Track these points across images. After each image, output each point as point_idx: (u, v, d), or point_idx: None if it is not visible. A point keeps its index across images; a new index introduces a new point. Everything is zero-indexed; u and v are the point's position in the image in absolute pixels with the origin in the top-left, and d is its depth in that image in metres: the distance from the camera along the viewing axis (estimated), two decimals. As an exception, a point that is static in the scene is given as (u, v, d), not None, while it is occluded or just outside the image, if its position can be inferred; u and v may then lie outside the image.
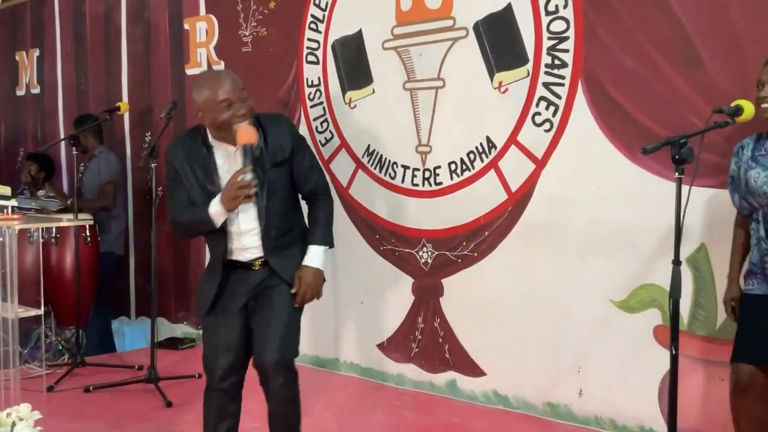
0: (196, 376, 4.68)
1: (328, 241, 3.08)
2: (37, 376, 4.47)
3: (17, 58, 6.97)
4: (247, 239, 2.93)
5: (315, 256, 3.04)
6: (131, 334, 6.00)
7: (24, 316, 2.68)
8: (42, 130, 6.74)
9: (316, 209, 3.12)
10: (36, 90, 6.77)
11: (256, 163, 2.77)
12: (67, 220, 2.78)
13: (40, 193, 5.74)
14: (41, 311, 2.73)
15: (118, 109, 5.10)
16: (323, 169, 3.21)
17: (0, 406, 2.61)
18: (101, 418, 3.86)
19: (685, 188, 2.69)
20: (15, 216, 2.71)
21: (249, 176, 2.71)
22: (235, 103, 2.80)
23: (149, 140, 5.76)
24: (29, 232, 2.84)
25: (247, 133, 2.75)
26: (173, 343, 5.47)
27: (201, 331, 5.53)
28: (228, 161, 2.89)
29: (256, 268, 2.98)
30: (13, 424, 2.44)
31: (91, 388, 4.38)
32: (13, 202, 2.87)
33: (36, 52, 6.75)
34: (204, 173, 2.89)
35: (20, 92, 6.95)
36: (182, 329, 5.69)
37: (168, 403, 4.19)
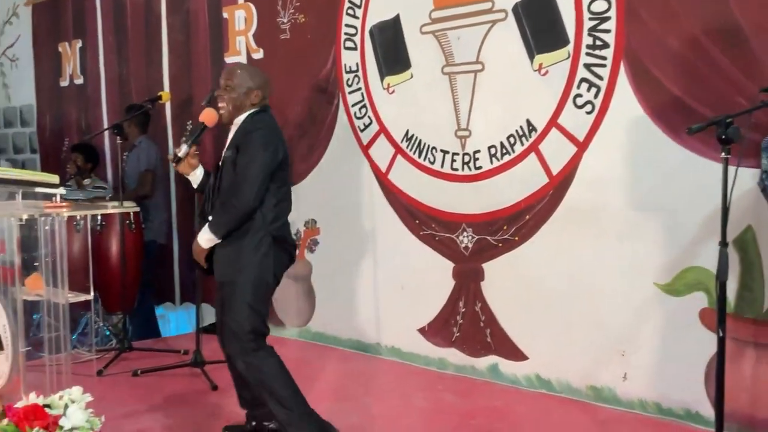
0: (240, 360, 4.75)
1: (214, 230, 3.15)
2: (86, 361, 4.59)
3: (60, 49, 7.08)
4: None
5: (202, 234, 3.20)
6: (176, 320, 6.09)
7: (74, 301, 2.74)
8: (86, 120, 6.85)
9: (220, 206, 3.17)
10: (79, 81, 6.88)
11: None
12: (112, 208, 2.84)
13: (86, 182, 5.84)
14: (90, 296, 2.79)
15: (160, 98, 5.16)
16: (255, 184, 3.08)
17: (52, 389, 2.67)
18: (149, 401, 3.94)
19: (731, 169, 2.65)
20: (63, 204, 2.76)
21: (182, 150, 3.06)
22: (221, 92, 3.23)
23: (189, 128, 5.83)
24: (75, 221, 2.91)
25: (206, 114, 3.14)
26: (217, 329, 5.55)
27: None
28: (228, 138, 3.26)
29: None
30: (66, 406, 2.51)
31: (138, 372, 4.47)
32: (62, 191, 2.93)
33: (78, 44, 6.85)
34: None
35: (64, 83, 7.06)
36: (225, 315, 5.76)
37: (213, 386, 4.25)
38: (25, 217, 2.64)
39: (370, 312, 4.83)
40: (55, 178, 2.93)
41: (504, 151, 4.09)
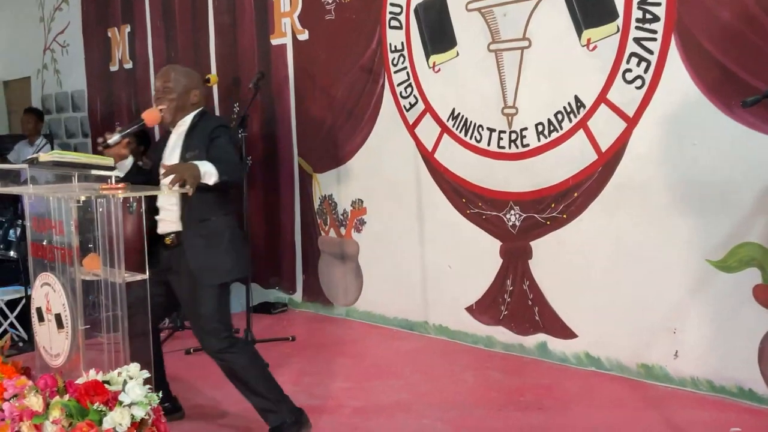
0: (290, 338, 4.82)
1: (219, 169, 2.94)
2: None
3: (109, 34, 7.19)
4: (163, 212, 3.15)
5: (201, 163, 2.93)
6: (226, 300, 6.18)
7: (130, 280, 2.80)
8: (135, 104, 6.96)
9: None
10: (128, 65, 6.99)
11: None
12: (167, 190, 2.89)
13: (139, 164, 5.93)
14: (146, 275, 2.84)
15: (208, 81, 5.19)
16: (236, 162, 3.14)
17: (111, 366, 2.74)
18: (202, 378, 4.03)
19: (787, 142, 2.60)
20: (119, 185, 2.82)
21: (113, 138, 3.04)
22: (159, 95, 3.20)
23: (237, 111, 5.89)
24: (129, 202, 2.96)
25: (149, 113, 3.15)
26: (266, 308, 5.63)
27: (287, 295, 5.68)
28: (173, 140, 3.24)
29: (168, 243, 3.15)
30: (125, 382, 2.58)
31: (191, 350, 4.56)
32: (117, 173, 2.99)
33: (127, 28, 6.95)
34: None
35: (114, 68, 7.18)
36: (274, 294, 5.85)
37: (265, 364, 4.32)
38: (82, 198, 2.70)
39: (418, 291, 4.85)
40: (110, 161, 3.00)
41: (552, 128, 4.05)
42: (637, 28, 3.70)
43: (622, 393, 3.70)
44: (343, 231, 5.30)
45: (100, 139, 3.13)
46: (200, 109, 3.27)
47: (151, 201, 3.17)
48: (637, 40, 3.69)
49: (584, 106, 3.91)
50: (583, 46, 3.89)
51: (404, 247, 4.90)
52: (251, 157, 5.76)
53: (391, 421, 3.48)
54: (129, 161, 3.19)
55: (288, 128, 5.58)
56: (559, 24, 3.95)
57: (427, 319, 4.82)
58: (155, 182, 3.18)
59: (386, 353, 4.56)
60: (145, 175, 3.26)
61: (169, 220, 3.15)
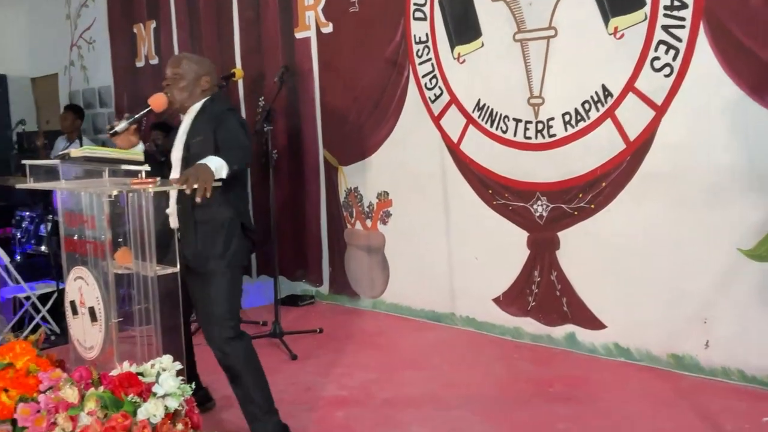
0: (317, 330, 4.85)
1: (227, 159, 2.84)
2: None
3: (135, 30, 7.24)
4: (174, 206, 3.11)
5: (208, 160, 2.81)
6: (253, 292, 6.22)
7: (161, 273, 2.83)
8: (161, 100, 7.00)
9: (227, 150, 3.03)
10: (154, 61, 7.04)
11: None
12: (193, 184, 2.91)
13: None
14: (177, 269, 2.87)
15: (233, 75, 5.21)
16: (245, 145, 3.04)
17: (144, 359, 2.77)
18: (232, 371, 4.06)
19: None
20: (149, 180, 2.85)
21: (121, 125, 3.06)
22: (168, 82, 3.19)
23: (262, 105, 5.91)
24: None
25: (156, 98, 3.13)
26: (293, 300, 5.66)
27: (314, 287, 5.70)
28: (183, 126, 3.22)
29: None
30: (158, 374, 2.61)
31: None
32: (147, 167, 3.01)
33: (153, 24, 7.00)
34: None
35: (140, 63, 7.24)
36: (301, 287, 5.88)
37: (293, 356, 4.36)
38: (114, 193, 2.73)
39: (444, 282, 4.85)
40: (140, 156, 3.02)
41: (579, 117, 4.03)
42: (665, 15, 3.66)
43: (652, 383, 3.68)
44: (369, 223, 5.32)
45: (107, 126, 3.15)
46: (208, 96, 3.22)
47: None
48: (665, 28, 3.66)
49: (612, 95, 3.88)
50: (610, 34, 3.86)
51: (430, 239, 4.90)
52: (276, 150, 5.78)
53: (420, 411, 3.49)
54: (139, 148, 3.18)
55: (313, 121, 5.59)
56: (585, 12, 3.93)
57: (453, 311, 4.82)
58: (168, 171, 3.18)
59: (413, 345, 4.57)
60: (155, 162, 3.24)
61: (175, 215, 3.13)
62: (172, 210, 3.11)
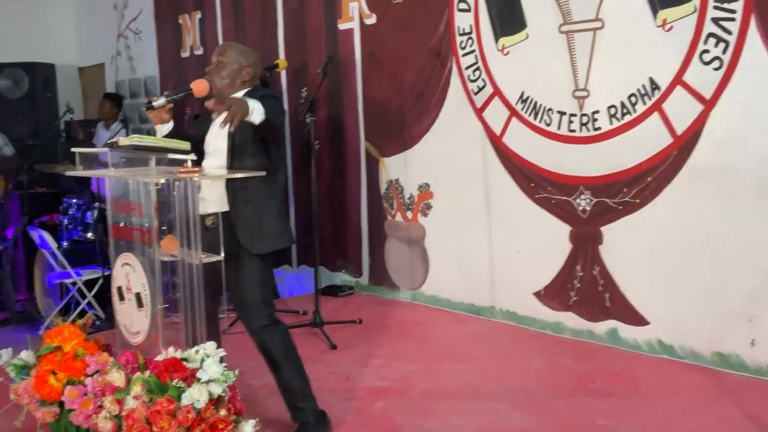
0: (357, 321, 4.87)
1: (265, 109, 2.89)
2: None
3: (180, 21, 7.32)
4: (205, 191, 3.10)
5: (250, 100, 2.87)
6: (293, 282, 6.28)
7: (206, 261, 2.86)
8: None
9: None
10: (199, 51, 7.10)
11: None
12: (241, 173, 2.93)
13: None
14: (221, 257, 2.90)
15: (277, 66, 5.25)
16: (281, 118, 3.15)
17: (188, 345, 2.81)
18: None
19: None
20: (195, 169, 2.88)
21: (159, 101, 3.09)
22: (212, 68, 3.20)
23: (305, 95, 5.94)
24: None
25: (199, 83, 3.13)
26: (333, 291, 5.69)
27: (353, 278, 5.72)
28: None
29: (209, 224, 3.08)
30: (202, 360, 2.65)
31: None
32: (193, 156, 3.04)
33: (198, 15, 7.06)
34: None
35: (184, 54, 7.31)
36: (341, 277, 5.90)
37: (333, 345, 4.38)
38: (162, 181, 2.77)
39: (485, 275, 4.83)
40: (186, 145, 3.05)
41: (625, 110, 3.98)
42: (714, 7, 3.59)
43: (696, 381, 3.63)
44: (409, 215, 5.32)
45: (144, 100, 3.18)
46: (248, 88, 3.22)
47: None
48: (715, 20, 3.59)
49: (659, 88, 3.83)
50: (659, 26, 3.80)
51: (471, 232, 4.89)
52: (318, 141, 5.81)
53: (460, 404, 3.49)
54: (169, 126, 3.21)
55: (355, 113, 5.61)
56: (633, 4, 3.87)
57: (494, 304, 4.81)
58: (198, 153, 3.15)
59: (453, 337, 4.57)
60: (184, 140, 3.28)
61: (210, 200, 3.11)
62: (203, 196, 3.10)
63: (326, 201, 5.81)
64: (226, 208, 3.09)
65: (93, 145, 6.90)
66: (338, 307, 5.31)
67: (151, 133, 3.31)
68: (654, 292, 3.95)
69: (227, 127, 3.08)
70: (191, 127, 6.17)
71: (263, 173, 3.01)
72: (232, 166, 3.11)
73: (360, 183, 5.67)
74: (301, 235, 6.17)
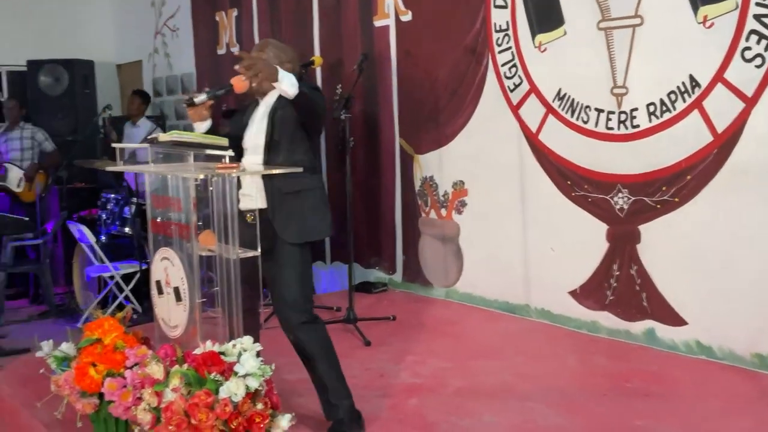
0: (391, 318, 4.88)
1: (300, 85, 2.92)
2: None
3: (217, 18, 7.38)
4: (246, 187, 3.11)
5: (285, 72, 2.91)
6: (327, 278, 6.31)
7: (243, 257, 2.89)
8: (241, 87, 7.12)
9: None
10: (235, 48, 7.15)
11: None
12: (277, 169, 2.95)
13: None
14: (258, 252, 2.93)
15: (313, 63, 5.27)
16: (321, 105, 3.15)
17: (225, 339, 2.84)
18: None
19: None
20: (233, 165, 2.91)
21: (200, 98, 3.10)
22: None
23: (339, 92, 5.96)
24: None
25: (238, 80, 3.08)
26: (366, 287, 5.70)
27: (387, 275, 5.72)
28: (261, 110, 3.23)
29: (249, 220, 3.09)
30: (240, 354, 2.67)
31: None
32: (230, 152, 3.07)
33: (234, 12, 7.12)
34: None
35: (221, 51, 7.37)
36: (374, 274, 5.91)
37: (367, 342, 4.40)
38: (201, 177, 2.81)
39: (519, 273, 4.80)
40: (224, 141, 3.07)
41: (664, 108, 3.93)
42: (757, 4, 3.53)
43: (735, 383, 3.58)
44: (443, 212, 5.31)
45: (185, 96, 3.20)
46: None
47: None
48: (757, 17, 3.53)
49: (699, 86, 3.77)
50: (699, 23, 3.75)
51: (506, 229, 4.86)
52: (353, 138, 5.81)
53: (494, 401, 3.48)
54: (207, 123, 3.23)
55: (390, 109, 5.61)
56: (673, 0, 3.82)
57: (528, 302, 4.78)
58: (237, 150, 3.20)
59: (487, 335, 4.55)
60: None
61: (250, 195, 3.13)
62: (244, 191, 3.12)
63: (360, 198, 5.83)
64: (265, 204, 3.10)
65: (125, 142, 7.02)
66: (372, 304, 5.32)
67: (188, 129, 3.33)
68: (693, 292, 3.90)
69: (265, 118, 3.11)
70: (222, 125, 6.23)
71: (299, 169, 3.02)
72: (268, 161, 3.13)
73: (394, 180, 5.67)
74: (334, 232, 6.18)
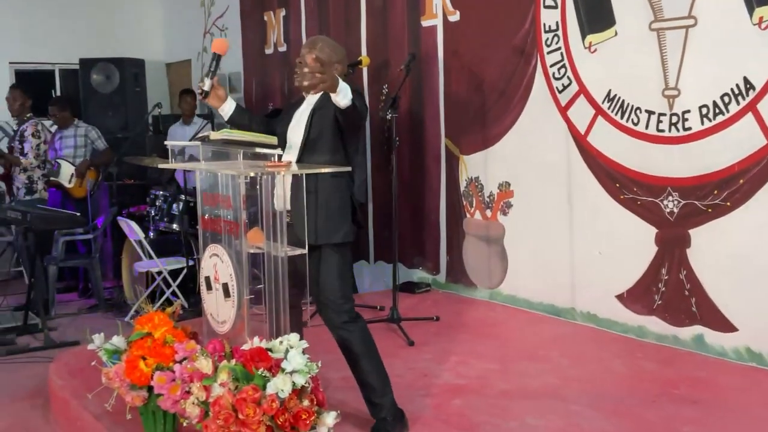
0: (434, 318, 4.87)
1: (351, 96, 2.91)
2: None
3: (265, 18, 7.45)
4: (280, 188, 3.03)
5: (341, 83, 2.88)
6: (370, 277, 6.32)
7: (291, 254, 2.91)
8: (288, 86, 7.19)
9: None
10: (283, 48, 7.22)
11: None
12: (326, 168, 2.96)
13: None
14: (305, 250, 2.95)
15: (360, 63, 5.30)
16: (365, 114, 3.16)
17: (272, 335, 2.87)
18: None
19: None
20: (283, 163, 2.94)
21: (207, 83, 3.09)
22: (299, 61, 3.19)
23: (386, 92, 5.97)
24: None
25: (218, 43, 3.11)
26: (409, 287, 5.69)
27: (430, 275, 5.72)
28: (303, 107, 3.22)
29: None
30: (287, 351, 2.70)
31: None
32: (279, 151, 3.10)
33: (282, 12, 7.18)
34: None
35: (268, 50, 7.44)
36: (418, 274, 5.91)
37: (410, 342, 4.40)
38: (251, 175, 2.84)
39: (565, 276, 4.76)
40: (273, 140, 3.11)
41: (717, 110, 3.86)
42: (816, 4, 3.46)
43: (787, 392, 3.51)
44: (488, 213, 5.29)
45: (198, 91, 3.20)
46: None
47: None
48: (816, 18, 3.45)
49: (754, 88, 3.70)
50: (755, 24, 3.67)
51: (552, 231, 4.82)
52: (398, 137, 5.81)
53: (539, 404, 3.45)
54: (230, 104, 3.24)
55: (436, 110, 5.60)
56: (728, 2, 3.75)
57: (574, 306, 4.74)
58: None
59: (532, 337, 4.52)
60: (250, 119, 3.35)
61: (279, 195, 3.06)
62: (279, 192, 3.06)
63: (405, 197, 5.83)
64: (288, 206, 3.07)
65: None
66: (415, 304, 5.32)
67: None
68: (743, 298, 3.82)
69: (304, 117, 3.12)
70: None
71: (348, 168, 3.03)
72: (302, 160, 3.13)
73: (439, 180, 5.66)
74: (378, 231, 6.21)
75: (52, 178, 6.69)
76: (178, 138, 6.97)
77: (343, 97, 2.87)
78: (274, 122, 3.37)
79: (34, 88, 6.75)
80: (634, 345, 4.25)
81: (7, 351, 5.10)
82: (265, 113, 6.72)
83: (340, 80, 2.85)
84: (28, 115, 6.61)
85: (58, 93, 8.51)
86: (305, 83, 3.04)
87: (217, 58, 3.15)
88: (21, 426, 3.97)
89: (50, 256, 6.31)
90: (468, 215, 5.46)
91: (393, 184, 4.92)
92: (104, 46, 8.56)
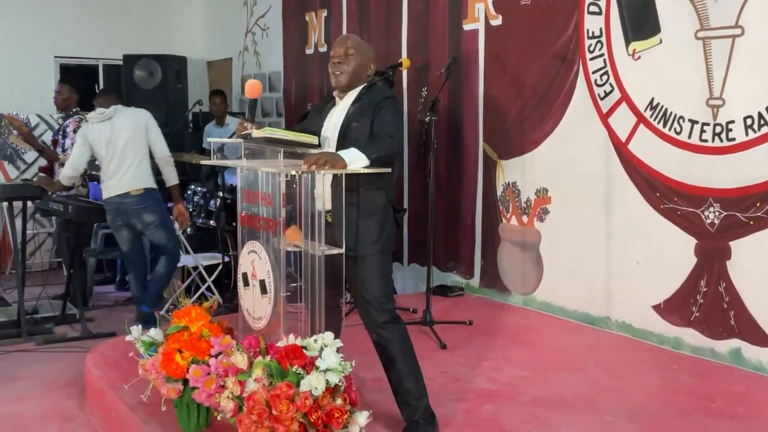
0: (467, 322, 4.85)
1: (367, 152, 2.89)
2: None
3: (307, 18, 7.49)
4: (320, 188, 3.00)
5: (347, 152, 2.88)
6: (403, 280, 6.32)
7: (328, 253, 2.93)
8: (327, 86, 7.22)
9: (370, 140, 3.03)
10: (323, 49, 7.25)
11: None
12: (363, 168, 2.95)
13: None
14: (342, 250, 2.96)
15: (401, 65, 5.30)
16: (401, 134, 3.20)
17: (308, 333, 2.88)
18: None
19: None
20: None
21: (254, 130, 3.01)
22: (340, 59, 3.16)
23: (425, 95, 5.97)
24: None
25: (252, 87, 3.11)
26: (443, 291, 5.68)
27: (464, 279, 5.70)
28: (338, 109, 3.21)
29: (329, 220, 3.04)
30: (321, 349, 2.71)
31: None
32: (319, 150, 3.11)
33: (324, 13, 7.21)
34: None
35: (309, 51, 7.48)
36: (451, 278, 5.90)
37: (443, 345, 4.39)
38: (291, 173, 2.86)
39: (601, 285, 4.71)
40: (314, 139, 3.13)
41: (762, 122, 3.80)
42: None
43: (827, 410, 3.44)
44: (525, 219, 5.26)
45: (241, 132, 3.12)
46: (367, 82, 3.22)
47: None
48: None
49: (801, 100, 3.64)
50: (805, 34, 3.61)
51: (589, 239, 4.78)
52: (436, 140, 5.81)
53: (573, 413, 3.42)
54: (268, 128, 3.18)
55: (475, 114, 5.59)
56: (777, 11, 3.70)
57: (609, 315, 4.69)
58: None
59: (566, 345, 4.48)
60: None
61: (320, 196, 3.04)
62: (320, 192, 3.02)
63: (441, 200, 5.82)
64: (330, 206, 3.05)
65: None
66: (448, 308, 5.31)
67: (273, 127, 3.37)
68: (785, 313, 3.76)
69: (338, 129, 3.11)
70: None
71: (387, 170, 3.03)
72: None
73: (476, 184, 5.65)
74: (413, 233, 6.21)
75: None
76: (215, 137, 7.05)
77: (356, 162, 2.85)
78: (302, 126, 3.38)
79: (77, 83, 6.83)
80: (669, 357, 4.20)
81: (44, 340, 5.20)
82: (303, 113, 6.78)
83: (344, 155, 2.83)
84: (75, 109, 6.72)
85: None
86: (342, 79, 3.12)
87: (252, 103, 3.19)
88: (57, 414, 4.04)
89: (89, 248, 6.41)
90: (504, 220, 5.43)
91: (429, 187, 4.91)
92: (147, 42, 8.68)
